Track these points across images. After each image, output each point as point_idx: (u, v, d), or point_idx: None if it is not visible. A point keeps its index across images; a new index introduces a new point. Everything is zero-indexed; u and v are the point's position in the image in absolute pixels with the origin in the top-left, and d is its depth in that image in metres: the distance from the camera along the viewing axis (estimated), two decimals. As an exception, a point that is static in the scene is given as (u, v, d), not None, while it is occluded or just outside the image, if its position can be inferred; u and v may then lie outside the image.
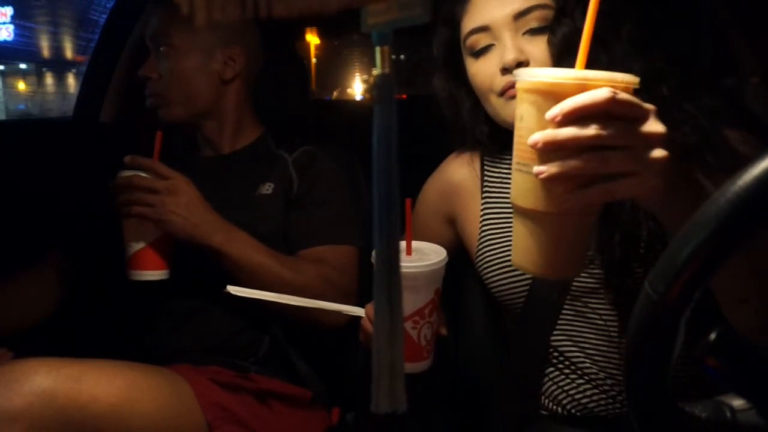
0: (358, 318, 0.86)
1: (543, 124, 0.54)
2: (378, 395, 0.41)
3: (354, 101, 4.09)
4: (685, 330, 0.45)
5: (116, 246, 1.23)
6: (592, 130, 0.52)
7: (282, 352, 1.14)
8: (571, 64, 0.60)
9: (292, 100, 1.36)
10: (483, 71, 0.88)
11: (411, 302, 0.75)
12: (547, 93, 0.54)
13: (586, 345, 0.90)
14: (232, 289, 0.84)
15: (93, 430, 0.85)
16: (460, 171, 1.02)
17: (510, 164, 0.98)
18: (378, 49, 0.39)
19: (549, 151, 0.54)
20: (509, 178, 0.97)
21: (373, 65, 0.39)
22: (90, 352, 0.91)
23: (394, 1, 0.36)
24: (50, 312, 1.22)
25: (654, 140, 0.53)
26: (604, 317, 0.87)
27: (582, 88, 0.53)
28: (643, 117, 0.54)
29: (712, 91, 0.82)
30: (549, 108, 0.53)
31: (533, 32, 0.84)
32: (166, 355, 1.11)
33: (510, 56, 0.83)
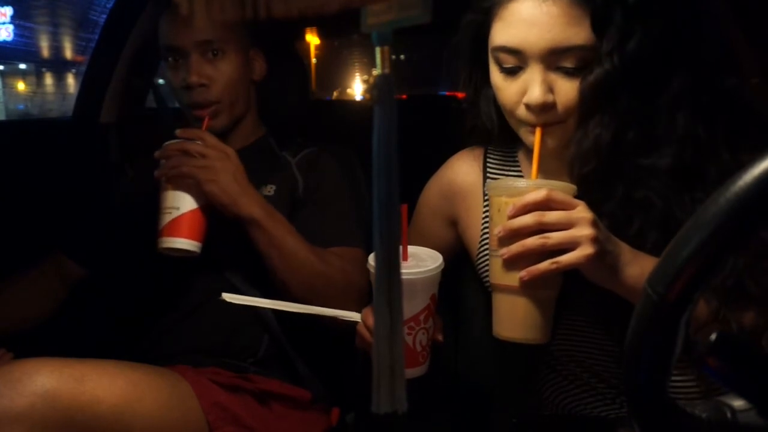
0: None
1: (504, 220, 0.74)
2: (378, 396, 0.41)
3: (354, 101, 4.09)
4: (685, 330, 0.45)
5: (116, 246, 1.24)
6: (534, 217, 0.71)
7: (281, 352, 1.14)
8: (597, 108, 0.79)
9: (292, 100, 1.35)
10: (507, 92, 0.83)
11: (406, 308, 0.74)
12: (508, 199, 0.75)
13: (586, 345, 0.90)
14: (228, 297, 0.84)
15: (95, 431, 0.85)
16: (462, 172, 1.01)
17: (513, 166, 0.98)
18: (378, 49, 0.39)
19: (509, 238, 0.73)
20: (513, 180, 0.97)
21: (373, 65, 0.39)
22: (89, 353, 0.91)
23: (394, 1, 0.36)
24: (50, 312, 1.22)
25: (583, 222, 0.70)
26: (603, 317, 0.87)
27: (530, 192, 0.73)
28: (573, 207, 0.72)
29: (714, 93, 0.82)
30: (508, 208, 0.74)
31: (566, 72, 0.79)
32: (165, 355, 1.11)
33: (537, 96, 0.78)
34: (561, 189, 0.74)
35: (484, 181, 0.99)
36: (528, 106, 0.80)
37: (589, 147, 0.80)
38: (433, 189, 1.05)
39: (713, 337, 0.45)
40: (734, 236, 0.41)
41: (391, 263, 0.40)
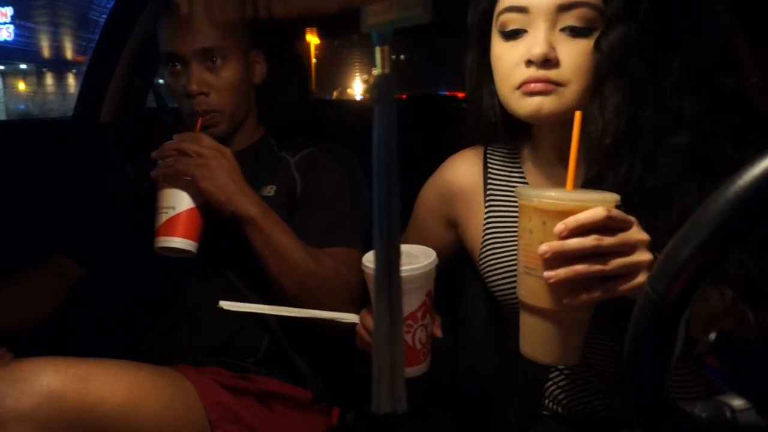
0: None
1: (549, 237, 0.66)
2: (378, 396, 0.41)
3: (354, 101, 4.09)
4: (685, 330, 0.45)
5: (116, 246, 1.24)
6: (592, 241, 0.64)
7: (282, 352, 1.14)
8: (609, 72, 0.76)
9: (292, 100, 1.36)
10: (507, 57, 0.82)
11: (403, 306, 0.74)
12: (553, 212, 0.66)
13: (586, 344, 0.89)
14: (225, 305, 0.84)
15: (99, 431, 0.85)
16: (462, 172, 1.01)
17: (515, 165, 0.98)
18: (378, 49, 0.39)
19: (556, 259, 0.65)
20: (514, 181, 0.97)
21: (373, 65, 0.39)
22: (89, 353, 0.91)
23: (394, 1, 0.36)
24: (50, 312, 1.22)
25: (640, 245, 0.65)
26: (603, 317, 0.87)
27: (582, 207, 0.65)
28: (629, 227, 0.66)
29: (714, 92, 0.82)
30: (554, 224, 0.66)
31: (572, 32, 0.78)
32: (166, 355, 1.11)
33: (539, 49, 0.77)
34: (604, 201, 0.67)
35: (485, 181, 0.98)
36: (530, 62, 0.79)
37: (610, 117, 0.77)
38: (432, 189, 1.04)
39: (713, 336, 0.45)
40: (734, 236, 0.41)
41: (390, 263, 0.40)
